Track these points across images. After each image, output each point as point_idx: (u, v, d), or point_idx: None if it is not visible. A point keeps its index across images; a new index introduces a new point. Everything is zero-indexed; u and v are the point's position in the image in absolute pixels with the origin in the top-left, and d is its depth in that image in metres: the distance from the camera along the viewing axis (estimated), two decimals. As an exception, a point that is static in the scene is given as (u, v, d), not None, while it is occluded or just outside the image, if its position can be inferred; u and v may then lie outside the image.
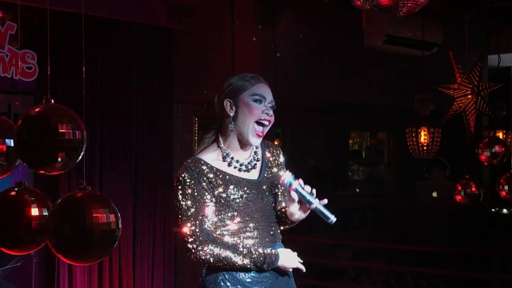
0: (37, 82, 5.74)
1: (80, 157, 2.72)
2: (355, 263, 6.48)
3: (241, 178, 2.88)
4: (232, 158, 2.90)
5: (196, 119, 7.06)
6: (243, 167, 2.92)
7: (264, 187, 2.93)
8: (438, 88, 6.28)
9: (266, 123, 2.89)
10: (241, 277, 2.83)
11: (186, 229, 2.76)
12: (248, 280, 2.84)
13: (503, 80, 6.68)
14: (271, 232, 2.93)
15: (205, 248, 2.75)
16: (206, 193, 2.80)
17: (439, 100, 6.50)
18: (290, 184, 2.80)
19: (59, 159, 2.64)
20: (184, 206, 2.78)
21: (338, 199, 8.53)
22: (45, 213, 2.96)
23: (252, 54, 6.38)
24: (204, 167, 2.82)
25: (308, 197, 2.81)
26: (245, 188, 2.86)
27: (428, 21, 6.84)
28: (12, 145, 3.09)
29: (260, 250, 2.81)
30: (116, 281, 6.17)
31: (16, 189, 3.07)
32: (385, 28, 6.92)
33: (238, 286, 2.83)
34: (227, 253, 2.76)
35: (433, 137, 6.27)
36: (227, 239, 2.82)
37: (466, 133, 6.33)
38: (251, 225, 2.85)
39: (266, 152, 3.05)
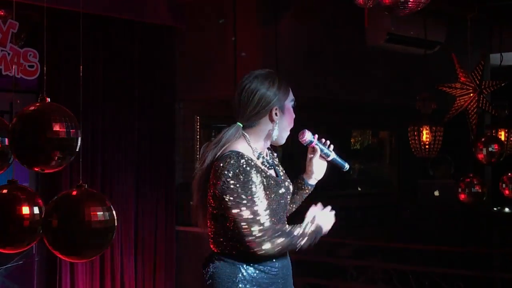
0: (39, 80, 5.75)
1: (75, 155, 2.72)
2: (356, 262, 6.48)
3: (272, 175, 2.92)
4: (263, 157, 2.94)
5: (198, 117, 7.07)
6: (270, 166, 2.98)
7: (285, 184, 2.98)
8: (440, 87, 6.28)
9: None
10: (258, 277, 2.84)
11: (255, 226, 2.71)
12: (266, 281, 2.85)
13: (505, 79, 6.66)
14: None
15: (274, 241, 2.73)
16: (257, 182, 2.77)
17: (441, 99, 6.49)
18: (311, 142, 3.03)
19: (53, 157, 2.64)
20: (241, 201, 2.73)
21: (339, 198, 8.54)
22: (37, 212, 2.95)
23: (254, 52, 6.38)
24: (251, 162, 2.80)
25: (326, 150, 3.05)
26: (277, 186, 2.89)
27: (431, 20, 6.81)
28: (6, 143, 3.08)
29: (307, 227, 2.83)
30: (118, 279, 6.17)
31: (7, 187, 3.06)
32: (387, 27, 6.90)
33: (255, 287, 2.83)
34: (288, 242, 2.76)
35: (435, 136, 6.26)
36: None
37: (467, 131, 6.32)
38: (276, 222, 2.86)
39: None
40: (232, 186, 2.73)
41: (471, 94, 6.26)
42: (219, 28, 6.66)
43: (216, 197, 2.78)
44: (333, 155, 3.06)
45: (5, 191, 3.03)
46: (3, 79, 5.60)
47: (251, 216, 2.71)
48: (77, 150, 2.71)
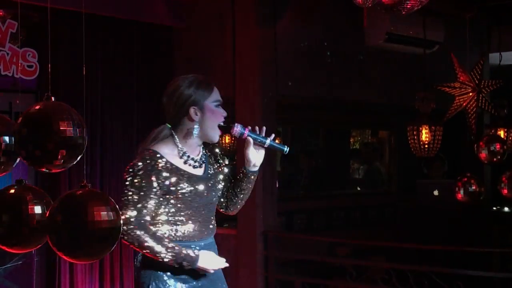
0: (38, 80, 5.74)
1: (82, 155, 2.71)
2: (356, 261, 6.48)
3: (192, 174, 3.18)
4: (188, 156, 3.19)
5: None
6: (197, 164, 3.21)
7: (210, 183, 3.25)
8: (439, 87, 6.28)
9: (223, 123, 3.25)
10: (183, 277, 3.13)
11: (125, 213, 3.04)
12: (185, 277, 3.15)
13: (504, 78, 6.66)
14: (211, 226, 3.26)
15: (134, 233, 3.02)
16: (153, 185, 3.07)
17: (441, 98, 6.49)
18: (242, 133, 3.19)
19: (60, 157, 2.63)
20: (128, 192, 3.07)
21: (339, 198, 8.54)
22: (45, 211, 2.94)
23: (253, 52, 6.37)
24: (160, 161, 3.10)
25: (260, 138, 3.21)
26: (195, 184, 3.16)
27: (430, 19, 6.81)
28: (10, 142, 3.08)
29: (184, 249, 3.07)
30: (117, 279, 6.17)
31: (15, 187, 3.05)
32: (386, 27, 6.89)
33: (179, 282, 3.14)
34: (152, 243, 3.02)
35: (435, 135, 6.26)
36: (166, 227, 3.12)
37: (465, 130, 6.32)
38: (193, 218, 3.16)
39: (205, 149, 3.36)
40: (126, 181, 3.09)
41: (470, 94, 6.26)
42: (217, 28, 6.66)
43: None
44: (268, 142, 3.20)
45: (12, 190, 3.03)
46: (2, 79, 5.60)
47: (126, 209, 3.04)
48: (84, 149, 2.70)
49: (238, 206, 3.44)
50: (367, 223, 8.60)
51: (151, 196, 3.06)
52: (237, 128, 3.18)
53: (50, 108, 2.66)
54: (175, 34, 6.75)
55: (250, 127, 3.21)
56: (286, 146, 3.22)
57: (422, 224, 8.30)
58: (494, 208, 9.19)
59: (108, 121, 6.17)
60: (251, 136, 3.20)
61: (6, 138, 3.11)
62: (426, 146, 6.26)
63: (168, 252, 3.04)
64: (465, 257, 6.49)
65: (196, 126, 3.17)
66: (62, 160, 2.65)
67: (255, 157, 3.27)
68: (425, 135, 6.24)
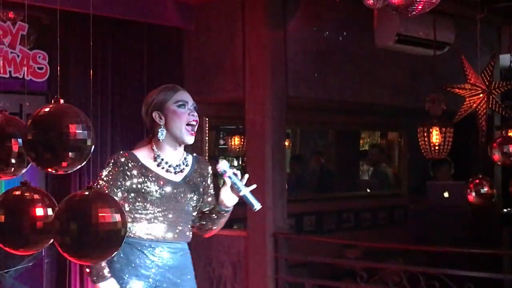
0: (48, 82, 5.76)
1: (89, 157, 2.73)
2: (366, 263, 6.46)
3: (162, 177, 3.30)
4: (162, 159, 3.31)
5: (207, 119, 7.07)
6: (171, 169, 3.33)
7: (182, 189, 3.33)
8: (448, 88, 6.26)
9: (194, 123, 3.35)
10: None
11: None
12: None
13: (514, 79, 6.63)
14: (177, 230, 3.32)
15: None
16: (119, 179, 3.26)
17: (451, 100, 6.47)
18: (225, 172, 3.19)
19: (67, 159, 2.65)
20: (100, 181, 3.29)
21: (349, 200, 8.53)
22: (50, 213, 2.95)
23: (263, 53, 6.37)
24: (130, 162, 3.27)
25: (239, 184, 3.19)
26: (163, 187, 3.27)
27: (440, 21, 6.79)
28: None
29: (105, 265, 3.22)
30: (127, 281, 6.17)
31: (20, 188, 3.07)
32: (396, 28, 6.87)
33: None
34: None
35: (445, 137, 6.24)
36: (136, 225, 3.26)
37: (471, 132, 6.30)
38: (160, 218, 3.27)
39: (196, 163, 3.45)
40: (102, 174, 3.32)
41: (481, 95, 6.23)
42: (227, 30, 6.66)
43: None
44: (244, 192, 3.18)
45: (18, 192, 3.04)
46: (13, 81, 5.62)
47: None
48: (91, 151, 2.71)
49: (210, 233, 3.52)
50: (377, 225, 8.59)
51: (116, 189, 3.24)
52: (220, 167, 3.20)
53: (59, 111, 2.68)
54: (185, 35, 6.75)
55: (234, 170, 3.23)
56: (259, 204, 3.19)
57: (433, 226, 8.28)
58: (505, 210, 9.16)
59: (118, 123, 6.18)
60: (230, 179, 3.22)
61: (20, 141, 3.15)
62: (437, 147, 6.24)
63: (96, 269, 3.21)
64: (475, 259, 6.47)
65: (162, 130, 3.31)
66: (70, 163, 2.67)
67: (227, 198, 3.29)
68: (435, 136, 6.23)
